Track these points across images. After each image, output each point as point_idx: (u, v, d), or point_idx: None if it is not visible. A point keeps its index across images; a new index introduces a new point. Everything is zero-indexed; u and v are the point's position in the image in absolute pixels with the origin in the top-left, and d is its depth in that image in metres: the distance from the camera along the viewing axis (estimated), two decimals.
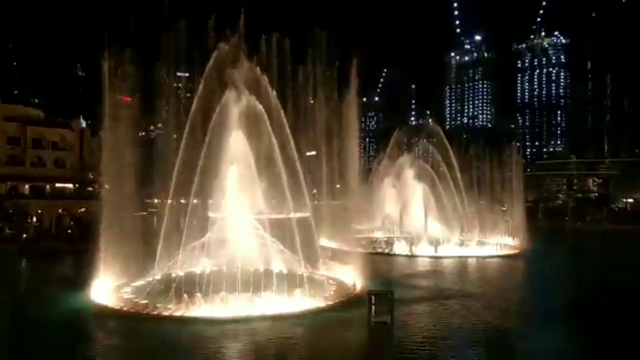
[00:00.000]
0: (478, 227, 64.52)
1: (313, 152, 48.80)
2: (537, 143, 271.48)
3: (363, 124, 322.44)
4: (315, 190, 44.27)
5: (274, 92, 37.38)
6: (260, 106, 35.63)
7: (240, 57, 36.95)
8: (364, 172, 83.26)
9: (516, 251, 58.22)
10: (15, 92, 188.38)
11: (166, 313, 27.79)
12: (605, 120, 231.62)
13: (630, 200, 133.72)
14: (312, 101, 51.74)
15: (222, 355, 22.53)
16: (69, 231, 67.03)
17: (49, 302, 31.15)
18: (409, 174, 69.09)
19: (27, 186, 72.32)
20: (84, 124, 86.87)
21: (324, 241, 45.54)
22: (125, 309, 28.75)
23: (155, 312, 27.94)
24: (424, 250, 56.36)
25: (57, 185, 74.59)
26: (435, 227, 62.39)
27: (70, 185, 76.01)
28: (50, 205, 70.93)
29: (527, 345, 24.02)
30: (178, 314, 27.67)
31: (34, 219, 69.04)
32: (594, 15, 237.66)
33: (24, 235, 61.87)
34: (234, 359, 22.35)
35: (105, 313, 28.31)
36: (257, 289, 29.60)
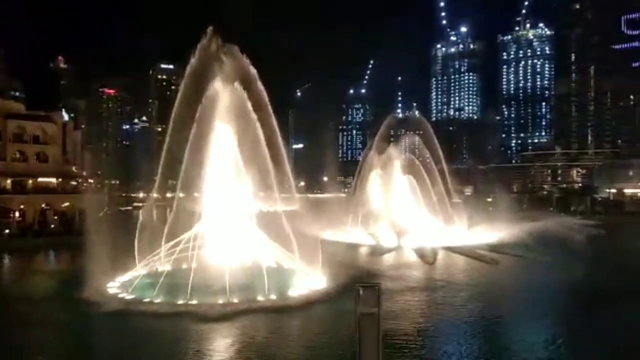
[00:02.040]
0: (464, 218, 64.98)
1: (300, 145, 48.52)
2: (522, 134, 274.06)
3: (349, 115, 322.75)
4: (303, 183, 44.00)
5: (261, 85, 36.95)
6: (247, 98, 35.26)
7: (223, 50, 36.36)
8: (352, 164, 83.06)
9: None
10: None
11: (152, 309, 27.57)
12: (589, 112, 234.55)
13: (613, 190, 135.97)
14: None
15: (212, 349, 22.45)
16: (52, 226, 66.01)
17: (35, 300, 30.69)
18: (396, 166, 69.21)
19: (9, 181, 70.82)
20: (66, 117, 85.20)
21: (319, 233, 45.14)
22: (111, 305, 28.41)
23: (142, 308, 27.70)
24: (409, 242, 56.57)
25: (40, 179, 73.17)
26: (421, 219, 62.72)
27: (53, 180, 74.63)
28: (33, 200, 69.67)
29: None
30: (163, 309, 27.45)
31: (17, 215, 67.79)
32: (577, 7, 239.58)
33: (7, 231, 60.75)
34: (224, 353, 22.24)
35: (92, 309, 27.93)
36: (244, 283, 29.50)
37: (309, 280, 32.34)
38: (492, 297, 32.23)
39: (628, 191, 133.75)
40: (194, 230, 33.99)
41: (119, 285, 32.24)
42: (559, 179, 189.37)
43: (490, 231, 62.09)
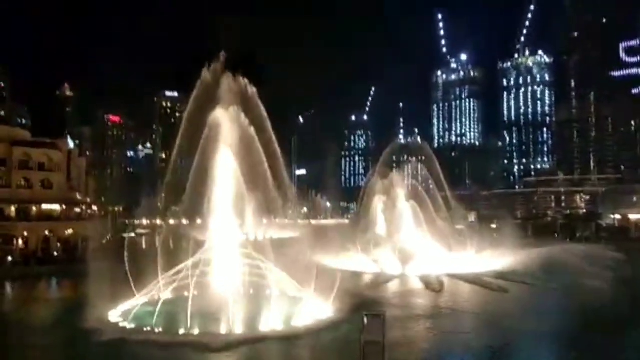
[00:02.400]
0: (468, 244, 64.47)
1: (303, 171, 48.69)
2: (524, 160, 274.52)
3: (352, 142, 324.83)
4: (305, 209, 43.96)
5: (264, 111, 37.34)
6: (250, 126, 35.59)
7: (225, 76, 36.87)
8: (354, 190, 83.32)
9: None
10: (1, 112, 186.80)
11: (152, 338, 27.21)
12: (591, 137, 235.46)
13: (618, 216, 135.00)
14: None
15: None
16: (56, 254, 65.77)
17: (36, 328, 30.35)
18: (400, 192, 69.16)
19: (13, 208, 71.02)
20: (71, 144, 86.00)
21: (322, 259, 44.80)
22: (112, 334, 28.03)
23: (142, 338, 27.32)
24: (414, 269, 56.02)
25: (44, 206, 73.35)
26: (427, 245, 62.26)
27: (57, 207, 74.79)
28: (36, 228, 69.62)
29: None
30: (164, 339, 27.06)
31: (20, 242, 67.66)
32: (575, 35, 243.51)
33: (10, 259, 60.52)
34: None
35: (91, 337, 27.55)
36: (245, 311, 29.12)
37: (313, 308, 31.89)
38: (501, 326, 31.60)
39: (633, 217, 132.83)
40: (196, 258, 33.74)
41: (120, 314, 31.85)
42: (563, 204, 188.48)
43: (496, 258, 61.49)
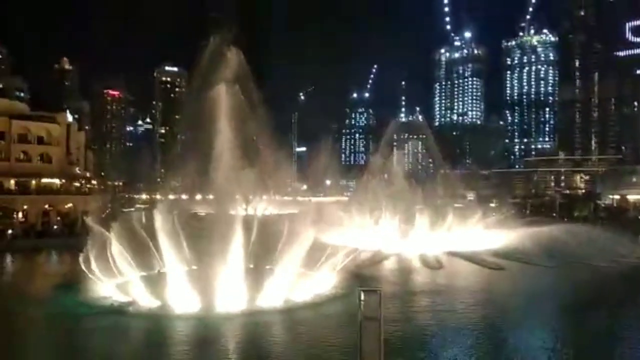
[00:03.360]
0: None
1: (303, 148, 48.43)
2: (525, 140, 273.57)
3: (353, 119, 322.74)
4: (305, 186, 43.90)
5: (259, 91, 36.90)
6: (247, 101, 35.22)
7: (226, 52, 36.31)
8: (355, 167, 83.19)
9: None
10: (0, 86, 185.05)
11: (149, 310, 27.59)
12: (593, 118, 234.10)
13: (617, 196, 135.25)
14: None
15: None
16: (55, 227, 66.10)
17: (37, 302, 30.67)
18: (399, 171, 69.12)
19: (12, 181, 71.01)
20: (70, 118, 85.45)
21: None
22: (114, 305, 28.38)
23: (138, 309, 27.73)
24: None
25: (44, 180, 73.34)
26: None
27: (56, 181, 74.78)
28: (36, 201, 69.80)
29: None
30: (161, 311, 27.41)
31: (20, 215, 67.94)
32: (582, 13, 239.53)
33: (10, 232, 60.84)
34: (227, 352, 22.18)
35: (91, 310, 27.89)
36: (245, 285, 29.37)
37: (311, 284, 32.19)
38: (497, 303, 31.96)
39: (631, 197, 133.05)
40: (196, 232, 33.83)
41: (117, 287, 32.11)
42: (563, 184, 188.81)
43: (494, 236, 61.82)
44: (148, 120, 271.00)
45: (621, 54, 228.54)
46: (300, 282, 31.65)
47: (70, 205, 72.53)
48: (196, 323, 26.00)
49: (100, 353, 22.67)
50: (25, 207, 68.99)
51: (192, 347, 23.16)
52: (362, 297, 25.74)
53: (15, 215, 66.70)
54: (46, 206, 71.00)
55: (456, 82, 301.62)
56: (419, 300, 32.37)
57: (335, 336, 23.69)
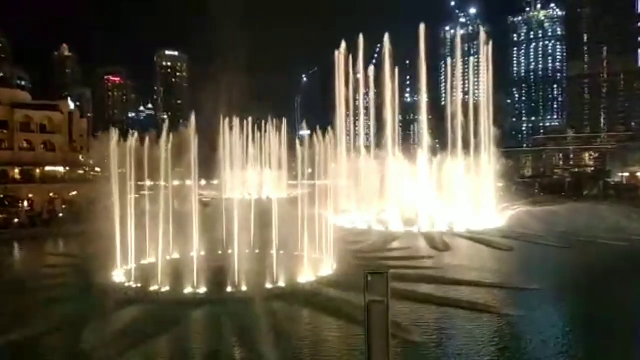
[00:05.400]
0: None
1: (307, 132, 47.65)
2: (533, 118, 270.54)
3: (357, 100, 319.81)
4: (310, 170, 43.29)
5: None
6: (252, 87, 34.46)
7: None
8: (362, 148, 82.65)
9: None
10: (1, 75, 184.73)
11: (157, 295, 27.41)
12: (602, 94, 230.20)
13: (626, 174, 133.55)
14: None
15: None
16: (61, 215, 66.12)
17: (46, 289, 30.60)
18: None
19: (17, 170, 71.05)
20: (72, 106, 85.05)
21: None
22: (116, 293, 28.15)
23: (144, 295, 27.56)
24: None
25: (48, 168, 73.32)
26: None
27: (61, 169, 74.76)
28: (41, 190, 69.83)
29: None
30: (170, 297, 27.20)
31: (25, 204, 68.03)
32: None
33: (16, 220, 60.92)
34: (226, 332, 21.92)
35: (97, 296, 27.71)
36: (250, 270, 29.08)
37: (317, 267, 31.87)
38: (505, 283, 31.42)
39: None
40: (201, 219, 33.43)
41: (125, 273, 31.92)
42: (572, 162, 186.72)
43: (501, 216, 61.15)
44: (150, 106, 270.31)
45: (631, 27, 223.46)
46: (304, 264, 31.30)
47: (74, 192, 72.54)
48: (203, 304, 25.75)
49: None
50: (30, 195, 69.06)
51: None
52: (369, 279, 25.48)
53: (20, 204, 66.77)
54: (51, 194, 71.04)
55: (462, 59, 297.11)
56: (424, 282, 31.78)
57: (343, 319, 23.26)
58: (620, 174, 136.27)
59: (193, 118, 33.68)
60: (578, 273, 34.63)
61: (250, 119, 60.70)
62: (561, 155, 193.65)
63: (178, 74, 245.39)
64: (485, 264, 38.27)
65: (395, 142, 70.60)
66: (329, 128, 47.46)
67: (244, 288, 27.81)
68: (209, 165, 41.15)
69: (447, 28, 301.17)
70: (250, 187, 47.08)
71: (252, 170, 61.03)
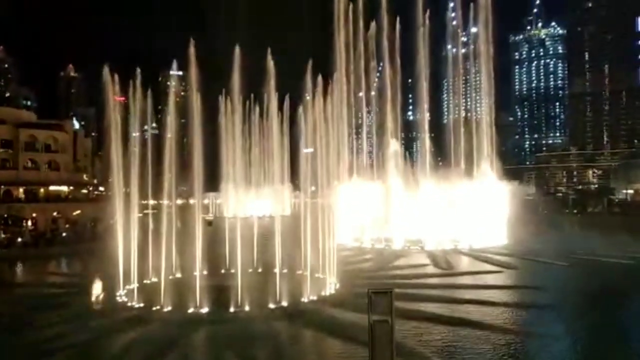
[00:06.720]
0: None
1: (310, 150, 47.87)
2: (536, 135, 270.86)
3: (359, 118, 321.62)
4: (314, 188, 43.38)
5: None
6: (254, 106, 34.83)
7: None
8: (364, 167, 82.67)
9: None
10: (7, 94, 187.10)
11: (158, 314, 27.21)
12: (604, 111, 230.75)
13: (631, 191, 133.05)
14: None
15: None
16: (64, 234, 66.10)
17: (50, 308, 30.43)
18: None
19: (21, 190, 71.37)
20: (76, 125, 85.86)
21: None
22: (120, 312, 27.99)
23: (144, 315, 27.36)
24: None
25: (52, 188, 73.63)
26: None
27: (64, 188, 75.05)
28: (44, 209, 70.00)
29: None
30: (173, 317, 26.97)
31: (29, 223, 68.13)
32: (590, 4, 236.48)
33: (19, 240, 60.91)
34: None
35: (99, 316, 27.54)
36: (252, 289, 28.90)
37: (319, 286, 31.64)
38: (510, 302, 31.06)
39: None
40: (204, 238, 33.42)
41: (128, 293, 31.74)
42: (575, 180, 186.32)
43: (507, 235, 60.82)
44: (154, 125, 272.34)
45: (632, 45, 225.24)
46: (307, 283, 31.09)
47: (78, 212, 72.67)
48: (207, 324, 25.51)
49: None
50: (34, 214, 69.20)
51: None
52: (373, 299, 25.21)
53: (24, 223, 66.86)
54: (55, 213, 71.18)
55: (463, 78, 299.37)
56: (428, 301, 31.45)
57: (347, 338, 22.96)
58: (625, 191, 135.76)
59: (199, 138, 33.90)
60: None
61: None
62: (565, 172, 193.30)
63: (182, 93, 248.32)
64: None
65: (398, 160, 70.53)
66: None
67: (246, 307, 27.65)
68: (212, 183, 41.32)
69: (449, 47, 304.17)
70: (252, 204, 47.07)
71: (254, 188, 61.23)
